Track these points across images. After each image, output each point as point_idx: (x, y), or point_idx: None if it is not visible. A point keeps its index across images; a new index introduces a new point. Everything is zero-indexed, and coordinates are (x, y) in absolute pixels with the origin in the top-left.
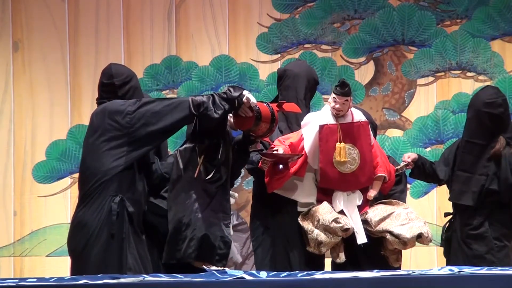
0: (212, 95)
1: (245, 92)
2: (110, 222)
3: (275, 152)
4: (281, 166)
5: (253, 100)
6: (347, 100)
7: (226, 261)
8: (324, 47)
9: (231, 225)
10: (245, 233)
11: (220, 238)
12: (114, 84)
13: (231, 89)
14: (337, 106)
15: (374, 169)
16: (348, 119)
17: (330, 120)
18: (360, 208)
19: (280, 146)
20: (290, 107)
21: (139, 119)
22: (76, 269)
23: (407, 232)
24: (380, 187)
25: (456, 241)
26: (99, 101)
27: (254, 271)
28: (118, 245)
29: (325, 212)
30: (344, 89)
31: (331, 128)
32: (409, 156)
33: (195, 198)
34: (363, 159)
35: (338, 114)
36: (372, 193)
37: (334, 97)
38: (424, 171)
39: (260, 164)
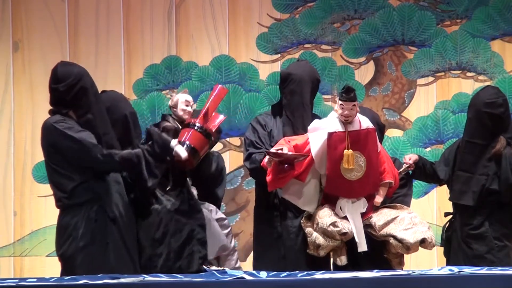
0: (144, 157)
1: (172, 145)
2: (91, 229)
3: (281, 151)
4: (286, 165)
5: (181, 153)
6: (354, 105)
7: (206, 260)
8: (324, 47)
9: (205, 210)
10: (226, 228)
11: (198, 241)
12: (59, 90)
13: (158, 148)
14: (346, 112)
15: (380, 175)
16: (356, 126)
17: (338, 127)
18: (364, 214)
19: (285, 145)
20: (215, 117)
21: (68, 153)
22: (65, 273)
23: (411, 237)
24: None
25: (456, 241)
26: (51, 106)
27: (254, 271)
28: (102, 250)
29: (324, 215)
30: (350, 94)
31: (339, 135)
32: (410, 157)
33: (158, 211)
34: (369, 167)
35: (347, 120)
36: (379, 199)
37: (341, 104)
38: (424, 172)
39: (263, 162)
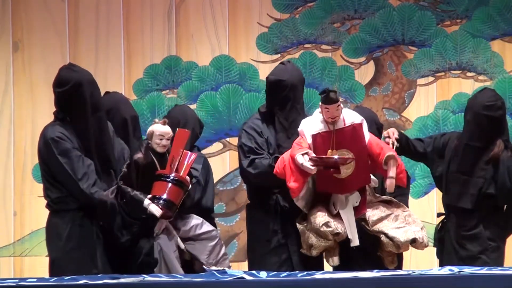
0: (119, 213)
1: (145, 204)
2: (77, 233)
3: (326, 156)
4: (331, 169)
5: (156, 212)
6: (339, 105)
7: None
8: (324, 47)
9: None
10: (213, 240)
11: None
12: (57, 93)
13: (131, 209)
14: (331, 114)
15: (377, 157)
16: (340, 125)
17: (321, 127)
18: (359, 209)
19: (306, 149)
20: (184, 159)
21: (56, 175)
22: (53, 272)
23: (401, 236)
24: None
25: (449, 241)
26: (54, 105)
27: (254, 271)
28: (89, 256)
29: (317, 215)
30: (332, 97)
31: (323, 136)
32: (393, 132)
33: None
34: (358, 162)
35: (334, 121)
36: (392, 175)
37: (326, 107)
38: (408, 150)
39: (305, 168)
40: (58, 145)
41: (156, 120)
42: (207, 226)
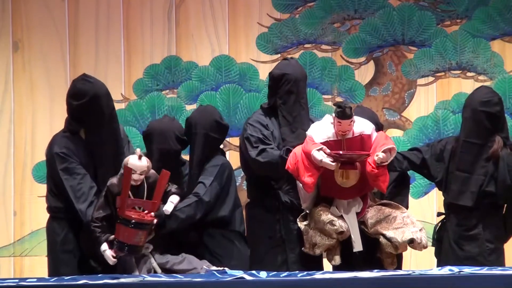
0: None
1: (102, 249)
2: (73, 240)
3: (343, 152)
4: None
5: (109, 260)
6: (352, 120)
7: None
8: (324, 47)
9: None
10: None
11: None
12: (72, 105)
13: (96, 250)
14: (342, 128)
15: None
16: (349, 134)
17: (330, 136)
18: (359, 214)
19: (320, 145)
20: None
21: (58, 187)
22: (50, 274)
23: (399, 236)
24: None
25: (447, 241)
26: (67, 120)
27: (254, 271)
28: (82, 261)
29: (321, 214)
30: (347, 113)
31: (331, 145)
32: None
33: None
34: (363, 172)
35: (344, 135)
36: (380, 156)
37: (338, 121)
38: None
39: (331, 160)
40: (62, 161)
41: (138, 150)
42: (187, 264)
